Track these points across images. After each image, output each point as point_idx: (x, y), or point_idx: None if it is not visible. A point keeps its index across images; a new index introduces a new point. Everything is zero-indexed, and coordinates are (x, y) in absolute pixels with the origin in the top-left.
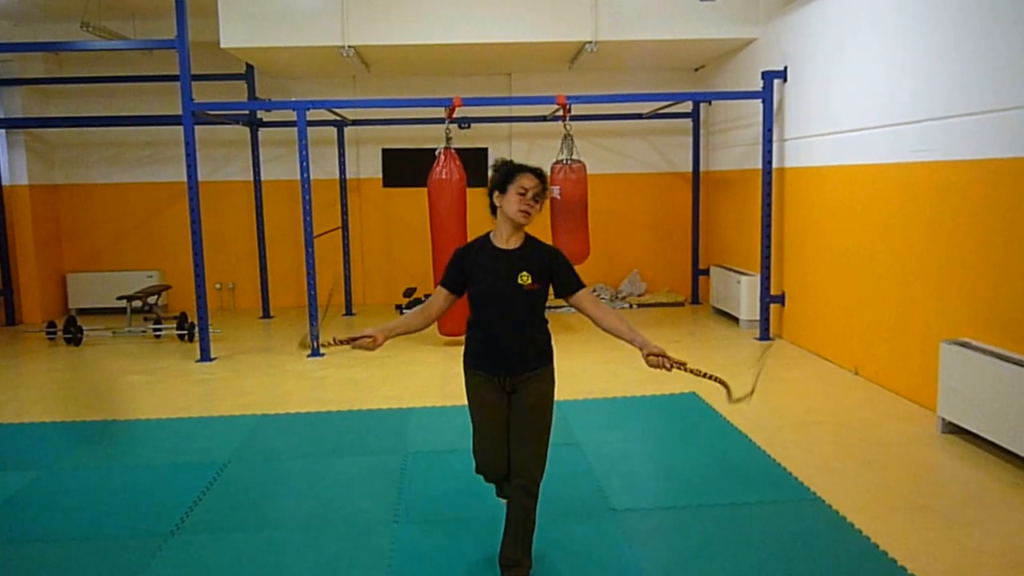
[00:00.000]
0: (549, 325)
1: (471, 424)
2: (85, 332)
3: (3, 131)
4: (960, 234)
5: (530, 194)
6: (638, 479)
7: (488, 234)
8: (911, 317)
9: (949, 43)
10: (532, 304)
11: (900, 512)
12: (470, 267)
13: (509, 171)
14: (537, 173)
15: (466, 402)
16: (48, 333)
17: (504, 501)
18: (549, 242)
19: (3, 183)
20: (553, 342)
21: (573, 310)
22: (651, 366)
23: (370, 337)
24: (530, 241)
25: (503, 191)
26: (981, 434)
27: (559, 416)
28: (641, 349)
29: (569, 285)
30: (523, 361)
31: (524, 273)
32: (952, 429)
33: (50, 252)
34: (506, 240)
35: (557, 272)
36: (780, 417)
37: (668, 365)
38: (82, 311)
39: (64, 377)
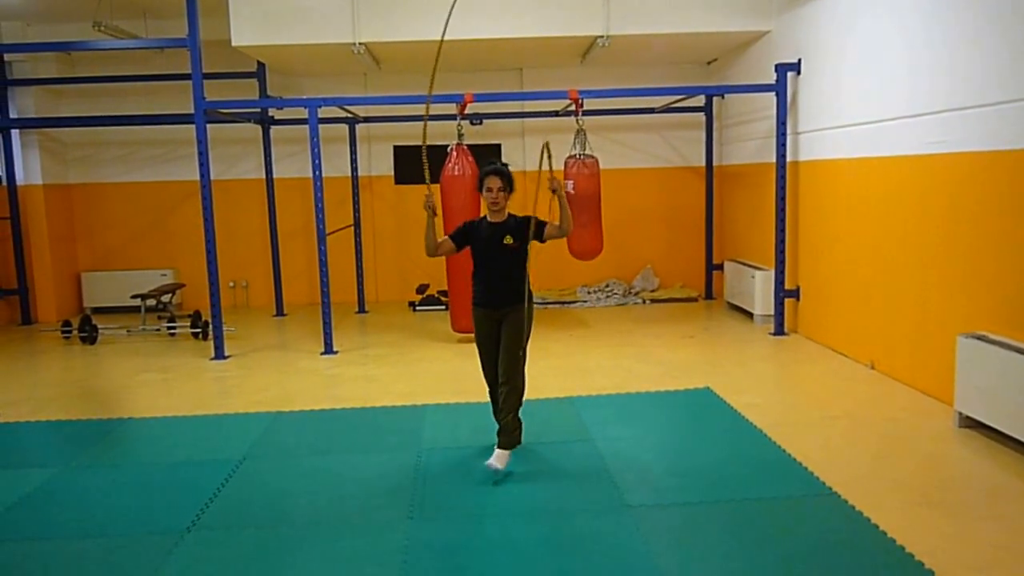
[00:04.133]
0: (528, 275)
1: (476, 345)
2: (100, 331)
3: (17, 131)
4: (977, 227)
5: (495, 190)
6: (653, 475)
7: (485, 215)
8: (928, 311)
9: (967, 32)
10: (514, 258)
11: (917, 507)
12: (472, 234)
13: (480, 177)
14: (497, 172)
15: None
16: (63, 332)
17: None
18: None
19: (17, 183)
20: (530, 287)
21: (587, 304)
22: (553, 189)
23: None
24: (511, 216)
25: (480, 191)
26: (999, 428)
27: (574, 412)
28: (555, 192)
29: (539, 229)
30: (508, 298)
31: (508, 236)
32: (969, 423)
33: (65, 251)
34: (496, 218)
35: (528, 228)
36: (796, 412)
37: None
38: (97, 310)
39: (79, 376)
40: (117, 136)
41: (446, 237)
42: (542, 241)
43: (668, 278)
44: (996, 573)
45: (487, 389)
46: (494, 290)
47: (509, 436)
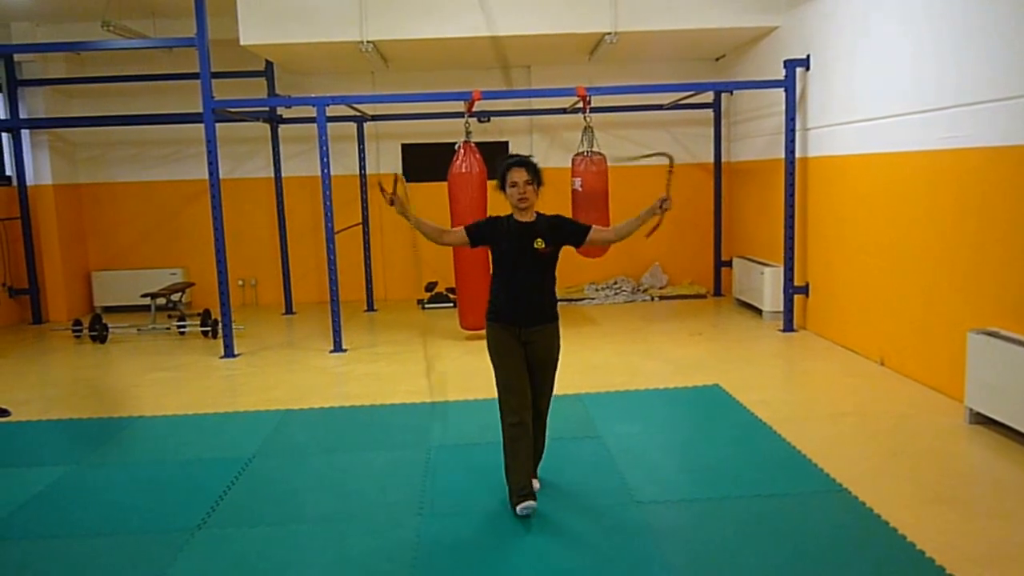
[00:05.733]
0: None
1: (494, 371)
2: (110, 330)
3: (27, 131)
4: (988, 222)
5: (521, 184)
6: (662, 472)
7: (510, 214)
8: (938, 307)
9: (976, 27)
10: (545, 265)
11: (928, 503)
12: (495, 233)
13: (503, 171)
14: (523, 163)
15: (490, 361)
16: (74, 331)
17: (521, 508)
18: None
19: (28, 183)
20: (558, 307)
21: (595, 302)
22: (664, 210)
23: (394, 196)
24: (540, 215)
25: (503, 189)
26: (1010, 424)
27: (582, 408)
28: (654, 213)
29: (580, 234)
30: (535, 315)
31: (539, 240)
32: (980, 420)
33: (75, 251)
34: (523, 217)
35: (565, 231)
36: (805, 409)
37: (666, 202)
38: (107, 309)
39: (90, 375)
40: (126, 136)
41: (460, 228)
42: (579, 247)
43: (677, 275)
44: (1007, 569)
45: (501, 428)
46: (519, 304)
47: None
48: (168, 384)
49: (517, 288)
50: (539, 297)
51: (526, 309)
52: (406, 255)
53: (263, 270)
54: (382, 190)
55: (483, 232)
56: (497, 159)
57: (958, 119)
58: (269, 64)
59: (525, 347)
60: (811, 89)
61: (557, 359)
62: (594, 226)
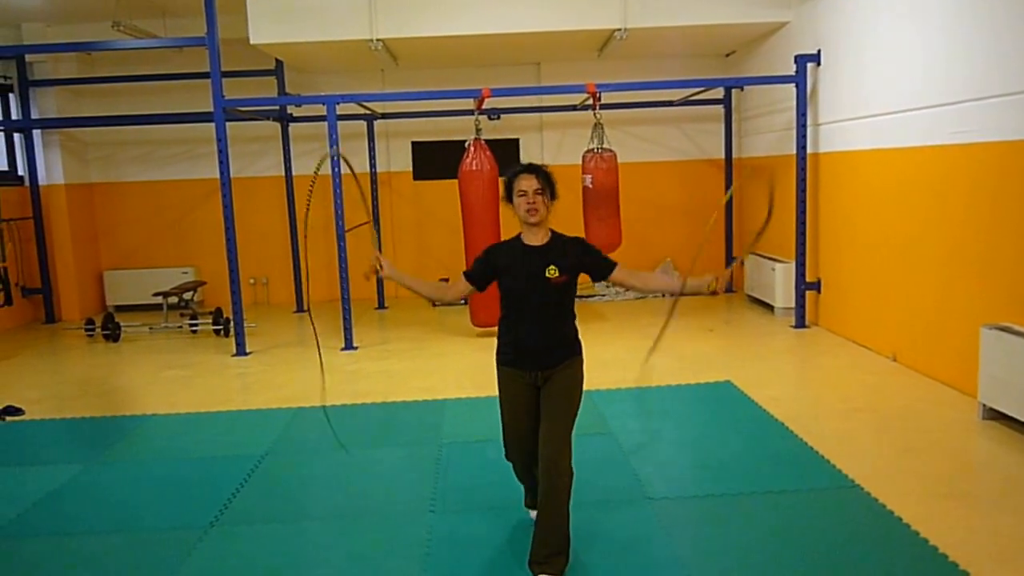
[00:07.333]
0: (577, 320)
1: (500, 417)
2: (123, 328)
3: (38, 131)
4: (1000, 216)
5: (530, 193)
6: (674, 468)
7: (519, 235)
8: (950, 302)
9: (986, 22)
10: (560, 297)
11: (941, 499)
12: (501, 265)
13: (509, 179)
14: (533, 170)
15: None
16: (87, 330)
17: (533, 514)
18: (581, 231)
19: (40, 183)
20: (580, 335)
21: (606, 298)
22: (716, 288)
23: (379, 264)
24: (556, 236)
25: (510, 199)
26: (1023, 420)
27: (593, 405)
28: (699, 289)
29: (602, 268)
30: (552, 356)
31: (552, 267)
32: (993, 415)
33: (87, 250)
34: (533, 238)
35: (586, 261)
36: (818, 405)
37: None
38: (119, 308)
39: (103, 373)
40: (137, 135)
41: (461, 277)
42: (604, 280)
43: (688, 272)
44: (1021, 564)
45: (511, 467)
46: (532, 344)
47: (557, 556)
48: (180, 382)
49: (529, 325)
50: (556, 334)
51: (542, 350)
52: (412, 254)
53: (274, 269)
54: (374, 271)
55: (488, 268)
56: (507, 157)
57: (969, 114)
58: (279, 63)
59: (540, 391)
60: (822, 84)
61: (575, 398)
62: (620, 265)
